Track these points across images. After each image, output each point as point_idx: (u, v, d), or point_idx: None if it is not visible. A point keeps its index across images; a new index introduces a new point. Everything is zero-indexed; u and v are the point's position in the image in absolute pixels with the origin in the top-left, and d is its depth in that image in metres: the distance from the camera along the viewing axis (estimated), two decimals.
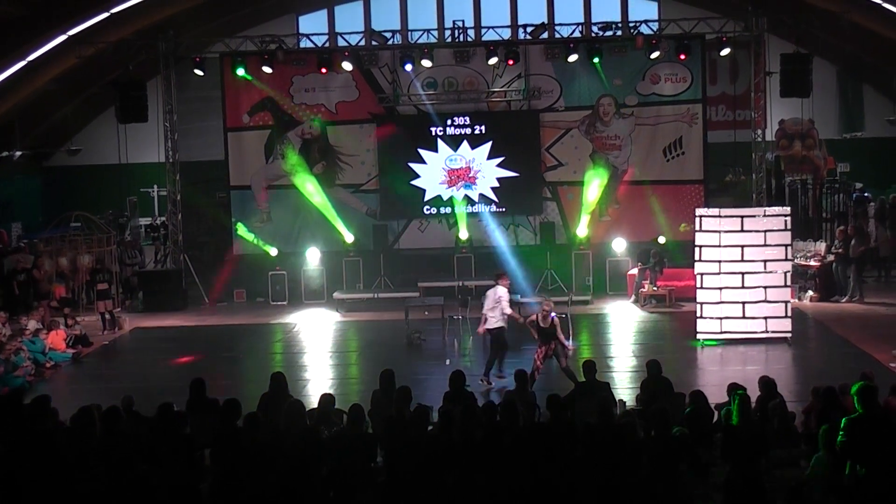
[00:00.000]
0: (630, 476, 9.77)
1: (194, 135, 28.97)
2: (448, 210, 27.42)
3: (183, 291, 27.33)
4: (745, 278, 20.12)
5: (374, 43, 27.24)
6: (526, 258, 26.52)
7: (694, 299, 20.73)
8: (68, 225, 29.10)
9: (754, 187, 27.35)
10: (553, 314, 16.85)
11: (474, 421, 10.32)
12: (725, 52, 26.94)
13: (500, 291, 18.14)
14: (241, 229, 27.61)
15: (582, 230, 26.99)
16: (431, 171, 27.33)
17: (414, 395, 12.02)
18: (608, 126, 27.26)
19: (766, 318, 20.22)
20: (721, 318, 20.27)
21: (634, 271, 25.68)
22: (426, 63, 26.57)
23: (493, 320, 18.01)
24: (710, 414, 12.11)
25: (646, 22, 26.88)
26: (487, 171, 27.25)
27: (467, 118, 27.16)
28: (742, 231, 20.12)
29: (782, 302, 20.24)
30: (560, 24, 28.31)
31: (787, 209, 21.13)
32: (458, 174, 27.33)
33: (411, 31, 28.65)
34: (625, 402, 14.02)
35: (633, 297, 25.42)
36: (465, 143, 27.18)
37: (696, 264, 20.37)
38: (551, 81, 27.21)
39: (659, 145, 27.18)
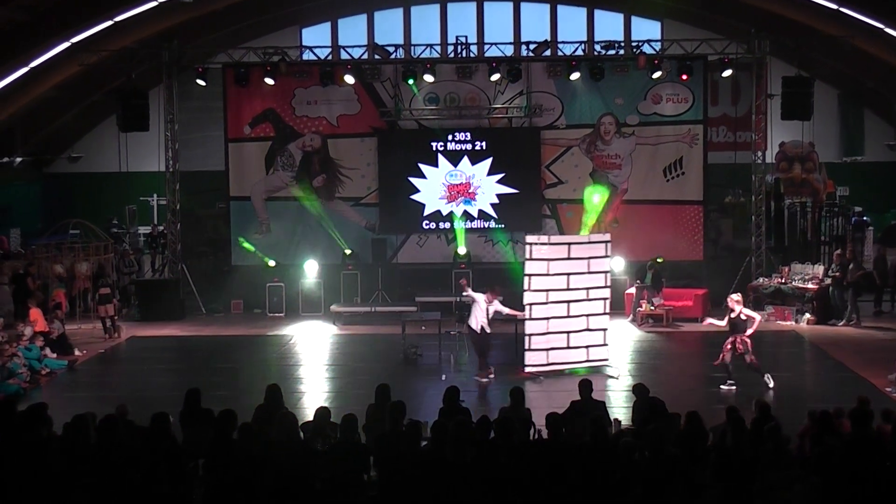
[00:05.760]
0: (622, 496, 9.74)
1: (195, 145, 28.93)
2: (447, 225, 27.42)
3: (180, 301, 27.32)
4: (571, 307, 19.90)
5: (376, 57, 27.32)
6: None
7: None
8: (67, 232, 29.11)
9: (753, 209, 27.37)
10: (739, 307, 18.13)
11: (466, 437, 10.27)
12: (727, 73, 27.03)
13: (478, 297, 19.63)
14: (244, 242, 27.52)
15: None
16: (431, 186, 27.36)
17: (409, 410, 11.95)
18: (609, 145, 27.28)
19: (587, 346, 20.04)
20: (548, 350, 19.84)
21: (632, 290, 25.66)
22: (428, 78, 26.63)
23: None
24: (705, 435, 12.07)
25: (648, 42, 26.94)
26: (487, 187, 27.27)
27: (468, 134, 27.18)
28: (569, 259, 19.84)
29: (601, 330, 20.11)
30: (563, 42, 28.46)
31: (608, 235, 20.72)
32: (457, 190, 27.35)
33: (414, 45, 28.65)
34: (620, 422, 13.99)
35: (631, 316, 25.38)
36: (465, 159, 27.20)
37: (524, 294, 19.90)
38: (553, 99, 27.25)
39: (659, 165, 27.21)
